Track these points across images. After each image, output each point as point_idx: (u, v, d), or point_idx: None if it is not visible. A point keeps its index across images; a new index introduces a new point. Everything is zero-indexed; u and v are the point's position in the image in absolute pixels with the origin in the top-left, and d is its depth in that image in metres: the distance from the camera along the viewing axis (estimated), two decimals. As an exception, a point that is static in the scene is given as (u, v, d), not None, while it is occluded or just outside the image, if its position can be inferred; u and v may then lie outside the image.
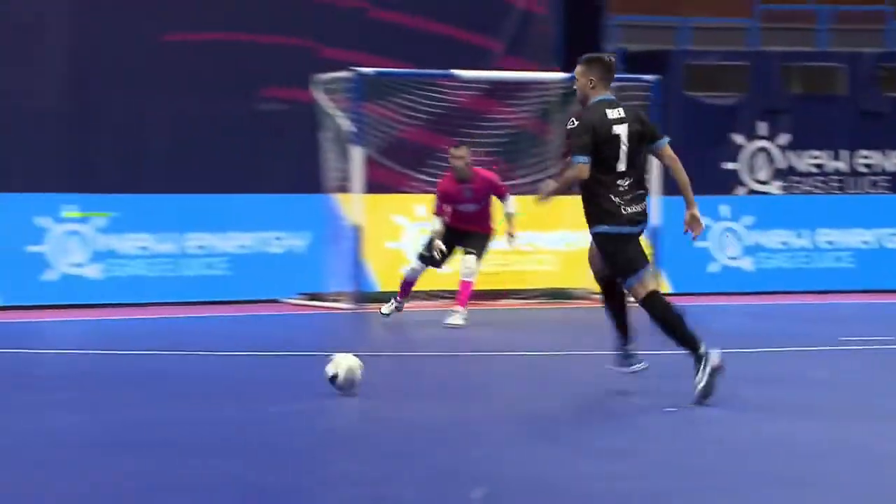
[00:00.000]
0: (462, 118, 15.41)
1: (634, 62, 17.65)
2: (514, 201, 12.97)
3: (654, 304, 8.31)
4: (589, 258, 8.60)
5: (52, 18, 15.30)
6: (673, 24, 18.63)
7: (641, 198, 8.39)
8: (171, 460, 6.64)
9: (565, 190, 8.49)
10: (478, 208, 12.98)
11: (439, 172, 13.96)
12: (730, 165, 17.90)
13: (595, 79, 8.50)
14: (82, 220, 14.61)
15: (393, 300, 13.18)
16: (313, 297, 14.84)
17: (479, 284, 14.88)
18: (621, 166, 8.28)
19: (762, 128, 18.02)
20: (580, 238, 16.02)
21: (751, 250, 16.61)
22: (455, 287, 13.14)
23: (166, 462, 6.60)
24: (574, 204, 15.82)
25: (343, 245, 14.59)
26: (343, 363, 8.43)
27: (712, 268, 16.48)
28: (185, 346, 11.16)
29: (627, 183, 8.30)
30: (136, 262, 14.79)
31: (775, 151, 18.10)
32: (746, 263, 16.56)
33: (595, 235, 8.37)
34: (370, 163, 14.80)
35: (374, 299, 14.31)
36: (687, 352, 8.24)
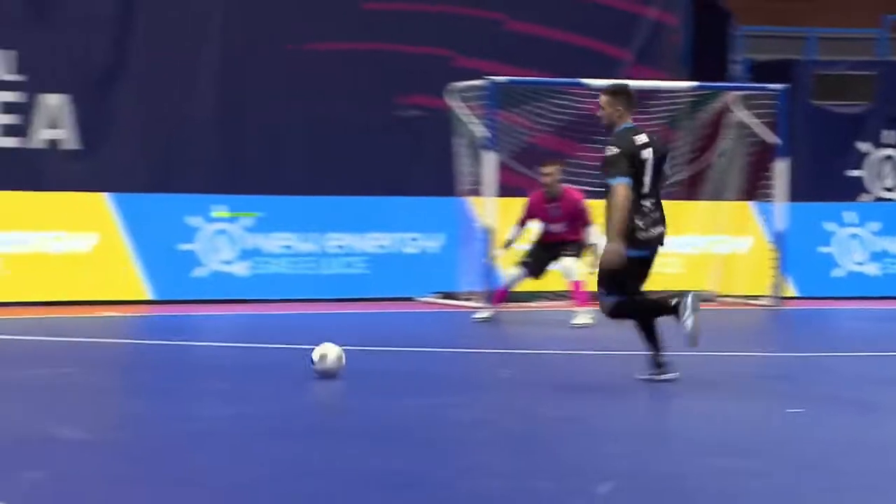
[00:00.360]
0: (591, 125, 15.37)
1: (761, 72, 17.47)
2: (594, 232, 12.48)
3: (621, 312, 8.76)
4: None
5: (205, 30, 15.61)
6: (800, 34, 18.38)
7: (662, 219, 8.76)
8: (317, 448, 6.76)
9: (624, 214, 8.63)
10: (565, 228, 12.83)
11: (569, 178, 13.97)
12: (855, 173, 17.61)
13: (622, 108, 8.84)
14: (231, 220, 14.89)
15: (489, 305, 13.25)
16: (447, 295, 14.94)
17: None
18: (646, 189, 8.65)
19: (889, 136, 17.69)
20: (705, 242, 15.92)
21: (877, 256, 16.33)
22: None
23: (313, 450, 6.72)
24: (699, 209, 15.85)
25: (475, 246, 14.66)
26: (333, 350, 8.67)
27: (837, 273, 16.25)
28: (326, 340, 11.31)
29: (650, 203, 8.66)
30: (280, 260, 15.04)
31: (899, 160, 17.77)
32: (872, 269, 16.29)
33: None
34: (502, 167, 14.85)
35: (510, 299, 14.34)
36: (671, 316, 8.61)
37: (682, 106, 15.91)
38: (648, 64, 16.93)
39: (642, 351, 10.63)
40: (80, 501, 5.66)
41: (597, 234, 12.58)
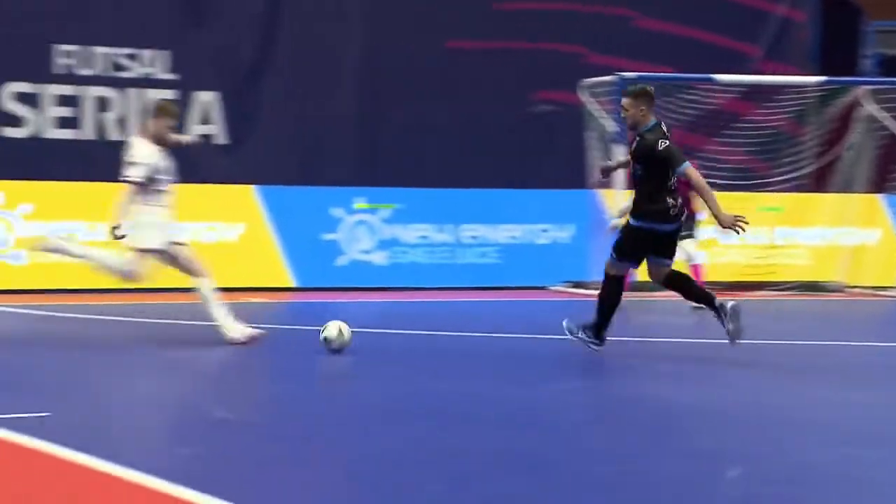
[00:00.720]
0: (720, 120, 15.26)
1: (891, 66, 17.11)
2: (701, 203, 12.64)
3: (674, 283, 9.58)
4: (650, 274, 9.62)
5: (348, 28, 15.82)
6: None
7: (678, 200, 9.46)
8: (449, 430, 6.84)
9: (709, 190, 9.31)
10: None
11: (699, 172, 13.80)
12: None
13: (645, 108, 9.47)
14: (371, 212, 15.08)
15: None
16: (577, 284, 14.94)
17: (734, 276, 14.73)
18: (671, 176, 9.34)
19: None
20: (835, 234, 15.66)
21: None
22: (706, 278, 13.04)
23: (445, 432, 6.80)
24: (829, 201, 15.59)
25: (605, 237, 14.61)
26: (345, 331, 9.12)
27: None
28: (461, 327, 11.41)
29: (672, 187, 9.38)
30: (417, 250, 15.18)
31: None
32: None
33: (639, 227, 9.37)
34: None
35: (633, 288, 14.29)
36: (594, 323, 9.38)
37: (810, 100, 15.68)
38: (777, 59, 16.71)
39: (767, 340, 10.52)
40: (228, 478, 5.81)
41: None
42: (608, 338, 9.61)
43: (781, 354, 10.31)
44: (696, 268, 12.89)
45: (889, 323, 13.58)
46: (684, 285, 9.58)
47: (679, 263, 12.67)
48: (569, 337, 9.52)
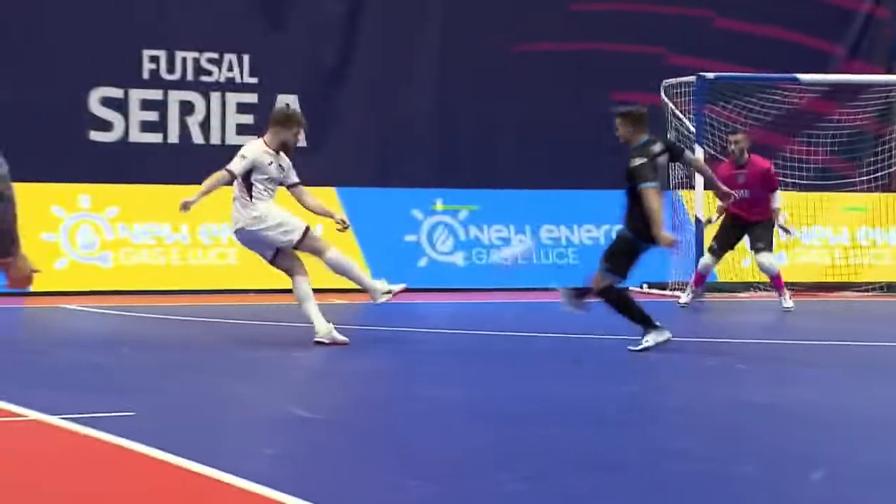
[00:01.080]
0: (802, 119, 15.09)
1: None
2: (779, 196, 12.79)
3: (611, 297, 9.67)
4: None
5: (424, 33, 15.88)
6: None
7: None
8: (527, 431, 6.85)
9: (660, 210, 9.58)
10: (752, 195, 12.69)
11: (779, 171, 13.71)
12: None
13: (632, 128, 9.86)
14: (450, 213, 15.10)
15: (689, 291, 13.16)
16: (656, 286, 14.85)
17: (817, 277, 14.54)
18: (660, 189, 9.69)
19: None
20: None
21: None
22: (788, 279, 12.99)
23: (524, 432, 6.81)
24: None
25: (685, 238, 14.53)
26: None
27: None
28: (540, 328, 11.40)
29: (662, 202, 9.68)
30: (496, 251, 15.18)
31: None
32: None
33: (633, 238, 9.68)
34: (712, 161, 14.66)
35: (713, 289, 14.21)
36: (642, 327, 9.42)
37: (894, 100, 15.46)
38: (861, 58, 16.52)
39: (835, 340, 10.39)
40: (313, 479, 5.85)
41: (780, 199, 12.78)
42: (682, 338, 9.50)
43: (863, 355, 10.16)
44: (777, 278, 12.82)
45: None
46: (621, 304, 9.60)
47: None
48: (648, 346, 9.49)
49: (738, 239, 13.04)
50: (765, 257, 12.78)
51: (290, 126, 9.96)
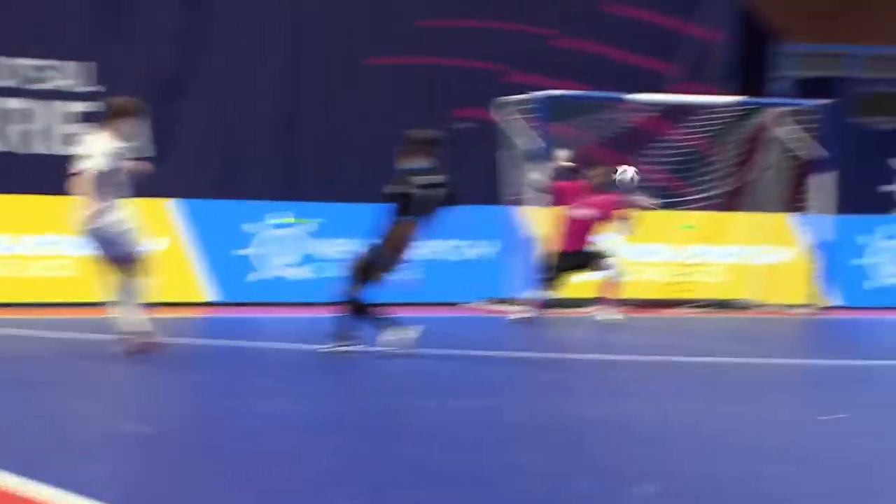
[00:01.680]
0: (640, 139, 15.34)
1: (805, 89, 17.34)
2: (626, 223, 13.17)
3: (352, 305, 9.90)
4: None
5: (267, 45, 15.71)
6: (843, 52, 18.23)
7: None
8: (365, 446, 6.76)
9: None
10: (591, 224, 13.06)
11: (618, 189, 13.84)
12: (887, 188, 17.45)
13: (410, 151, 10.04)
14: (291, 226, 14.92)
15: (524, 307, 13.27)
16: (496, 301, 14.89)
17: (653, 294, 14.79)
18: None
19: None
20: (748, 252, 15.79)
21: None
22: (627, 295, 13.15)
23: (361, 448, 6.71)
24: (741, 220, 15.73)
25: (524, 254, 14.62)
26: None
27: (874, 284, 16.05)
28: (381, 344, 11.32)
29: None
30: (337, 265, 15.03)
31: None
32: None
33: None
34: (553, 178, 14.77)
35: (552, 305, 14.33)
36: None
37: (726, 121, 15.83)
38: (695, 79, 16.87)
39: (668, 356, 10.57)
40: (141, 494, 5.67)
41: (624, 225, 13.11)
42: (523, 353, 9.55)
43: (694, 370, 10.31)
44: (609, 285, 12.98)
45: (798, 341, 13.71)
46: (358, 309, 9.79)
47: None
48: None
49: (579, 265, 13.09)
50: (605, 265, 12.87)
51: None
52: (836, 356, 11.42)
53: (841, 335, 14.06)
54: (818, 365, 10.95)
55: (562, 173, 13.31)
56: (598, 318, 12.80)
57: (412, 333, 9.70)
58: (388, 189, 9.78)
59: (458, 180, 16.00)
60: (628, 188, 12.27)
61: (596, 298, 13.16)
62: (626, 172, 11.63)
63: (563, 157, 13.26)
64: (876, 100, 17.44)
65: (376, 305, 9.89)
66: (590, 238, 13.12)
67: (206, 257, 14.55)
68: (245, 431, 7.11)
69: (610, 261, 13.04)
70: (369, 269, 9.88)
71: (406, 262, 10.05)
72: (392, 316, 9.85)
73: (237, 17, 15.63)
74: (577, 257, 13.10)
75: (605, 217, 13.14)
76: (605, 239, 13.21)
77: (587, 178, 13.25)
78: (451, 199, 10.10)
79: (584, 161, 14.71)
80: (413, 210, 9.78)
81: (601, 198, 13.15)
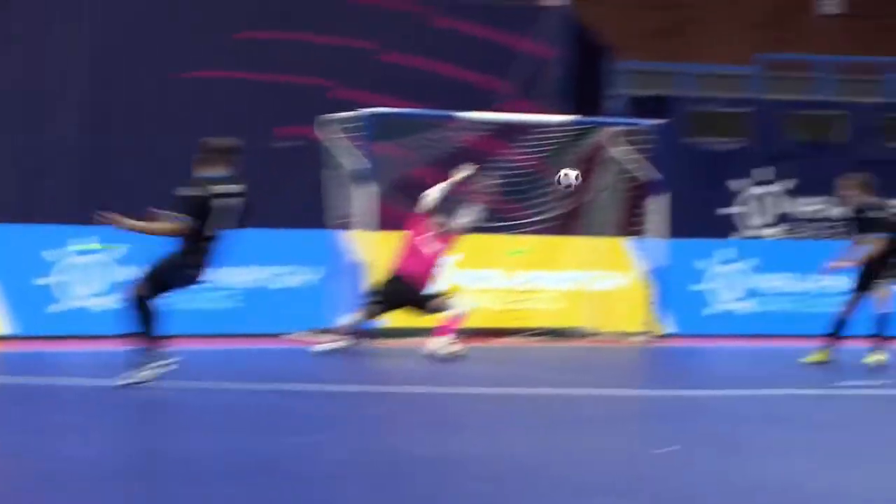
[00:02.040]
0: (471, 158, 15.47)
1: (638, 107, 17.73)
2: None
3: (140, 309, 10.13)
4: None
5: (73, 57, 15.43)
6: (677, 70, 18.73)
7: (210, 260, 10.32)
8: (183, 487, 6.68)
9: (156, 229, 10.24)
10: (435, 262, 13.28)
11: (446, 206, 14.00)
12: (728, 210, 17.94)
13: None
14: (97, 252, 14.62)
15: (341, 337, 13.38)
16: (320, 332, 14.80)
17: (486, 322, 14.92)
18: (209, 232, 10.16)
19: (762, 174, 18.05)
20: (583, 278, 16.05)
21: (750, 293, 16.58)
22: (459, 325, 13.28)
23: (178, 488, 6.63)
24: (575, 245, 15.98)
25: (351, 281, 14.61)
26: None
27: (712, 310, 16.45)
28: (193, 377, 11.18)
29: (209, 244, 10.23)
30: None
31: (775, 197, 18.13)
32: (745, 307, 16.55)
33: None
34: (380, 200, 14.84)
35: (380, 335, 14.33)
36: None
37: (560, 140, 16.05)
38: (526, 97, 17.09)
39: (511, 387, 10.69)
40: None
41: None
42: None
43: (527, 402, 10.44)
44: (452, 320, 13.09)
45: (634, 370, 13.98)
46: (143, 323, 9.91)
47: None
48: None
49: (416, 304, 13.20)
50: (446, 305, 13.12)
51: None
52: (671, 386, 11.68)
53: (676, 364, 14.38)
54: (653, 396, 11.17)
55: (398, 196, 13.37)
56: (439, 350, 12.84)
57: (166, 367, 9.62)
58: (182, 191, 9.73)
59: (280, 201, 16.08)
60: (567, 190, 12.49)
61: (433, 329, 13.21)
62: (569, 176, 11.85)
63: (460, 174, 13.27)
64: (710, 119, 17.95)
65: (158, 336, 9.72)
66: (433, 272, 13.15)
67: (2, 287, 14.17)
68: (42, 476, 6.96)
69: (451, 301, 13.09)
70: (164, 283, 9.80)
71: (204, 275, 9.90)
72: (158, 347, 9.72)
73: (37, 32, 15.32)
74: (415, 295, 13.11)
75: (448, 249, 13.30)
76: (445, 270, 13.27)
77: (440, 221, 13.34)
78: (249, 210, 10.06)
79: (412, 184, 14.81)
80: (210, 219, 9.70)
81: (447, 234, 13.36)
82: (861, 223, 12.99)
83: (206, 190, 9.90)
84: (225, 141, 10.20)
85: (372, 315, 13.28)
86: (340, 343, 13.27)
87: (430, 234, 13.18)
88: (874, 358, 12.82)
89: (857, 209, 13.07)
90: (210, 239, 10.03)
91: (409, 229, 13.23)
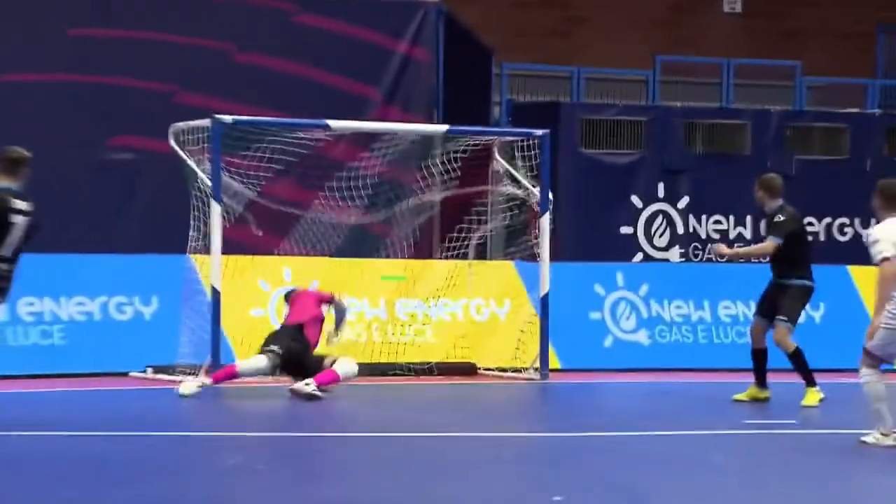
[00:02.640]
0: (335, 172, 15.31)
1: (524, 115, 17.69)
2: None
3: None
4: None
5: None
6: (566, 74, 18.73)
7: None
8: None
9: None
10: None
11: (308, 231, 13.84)
12: (627, 230, 17.96)
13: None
14: None
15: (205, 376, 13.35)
16: (163, 369, 14.49)
17: (356, 356, 14.69)
18: (6, 252, 10.22)
19: (661, 189, 18.11)
20: (463, 306, 15.93)
21: (648, 322, 16.60)
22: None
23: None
24: (458, 269, 15.79)
25: (199, 312, 14.33)
26: None
27: (606, 342, 16.44)
28: (16, 423, 10.86)
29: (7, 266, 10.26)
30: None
31: (675, 215, 18.20)
32: (642, 337, 16.56)
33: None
34: (231, 220, 14.56)
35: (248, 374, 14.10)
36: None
37: (434, 151, 15.94)
38: (398, 104, 17.00)
39: (379, 431, 10.53)
40: None
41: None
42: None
43: (398, 446, 10.37)
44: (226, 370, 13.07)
45: (522, 410, 13.91)
46: None
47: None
48: None
49: (301, 365, 13.20)
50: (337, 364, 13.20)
51: None
52: (561, 427, 11.63)
53: (569, 401, 14.35)
54: (544, 437, 11.12)
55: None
56: (304, 389, 12.72)
57: None
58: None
59: (117, 222, 15.75)
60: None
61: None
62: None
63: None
64: (605, 128, 17.95)
65: None
66: (316, 324, 13.27)
67: None
68: None
69: (342, 361, 13.15)
70: None
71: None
72: None
73: None
74: (298, 354, 13.10)
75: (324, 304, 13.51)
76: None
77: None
78: (34, 230, 10.00)
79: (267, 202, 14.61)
80: (9, 237, 9.68)
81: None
82: (767, 226, 13.43)
83: (6, 201, 9.80)
84: (12, 151, 10.15)
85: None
86: (200, 382, 13.06)
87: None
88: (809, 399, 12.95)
89: (762, 211, 13.57)
90: (6, 260, 9.88)
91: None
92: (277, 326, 13.79)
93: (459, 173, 15.51)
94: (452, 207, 16.01)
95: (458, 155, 15.41)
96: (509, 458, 9.85)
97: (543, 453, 10.18)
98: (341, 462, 9.61)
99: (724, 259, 15.31)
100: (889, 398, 10.12)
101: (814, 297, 13.34)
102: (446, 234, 15.99)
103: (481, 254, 16.33)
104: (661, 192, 18.06)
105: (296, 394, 12.74)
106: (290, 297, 13.74)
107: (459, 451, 10.07)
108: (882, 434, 10.06)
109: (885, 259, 10.10)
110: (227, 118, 14.32)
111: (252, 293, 14.99)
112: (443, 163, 15.46)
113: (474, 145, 15.49)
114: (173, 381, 14.01)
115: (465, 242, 15.81)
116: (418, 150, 15.88)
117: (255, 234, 14.01)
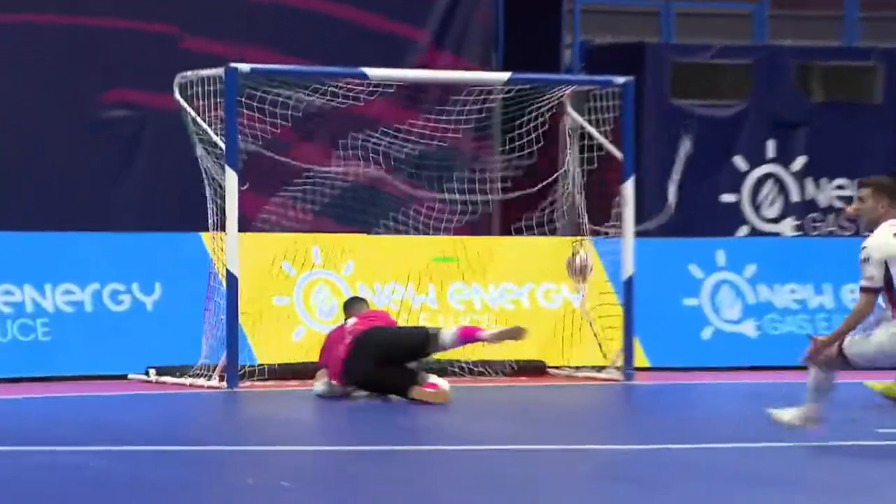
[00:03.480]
0: (372, 130, 15.35)
1: (602, 59, 17.66)
2: None
3: None
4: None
5: None
6: (653, 9, 18.71)
7: None
8: None
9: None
10: None
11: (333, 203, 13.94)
12: (729, 198, 17.91)
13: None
14: None
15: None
16: (168, 371, 14.57)
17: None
18: None
19: (771, 147, 18.04)
20: (528, 291, 15.91)
21: (755, 310, 16.48)
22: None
23: None
24: (520, 247, 15.79)
25: (213, 302, 14.40)
26: None
27: (704, 334, 16.40)
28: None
29: None
30: None
31: (788, 179, 18.13)
32: (749, 328, 16.49)
33: None
34: (248, 191, 14.56)
35: (253, 374, 14.17)
36: None
37: (497, 104, 15.97)
38: (450, 48, 17.03)
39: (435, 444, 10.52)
40: None
41: None
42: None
43: (459, 460, 10.37)
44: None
45: (599, 418, 13.91)
46: None
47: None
48: None
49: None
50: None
51: None
52: (647, 439, 11.66)
53: (657, 408, 14.37)
54: (626, 451, 11.13)
55: None
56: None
57: None
58: None
59: (115, 193, 15.86)
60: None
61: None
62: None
63: None
64: (701, 73, 17.90)
65: None
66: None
67: None
68: None
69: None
70: None
71: None
72: None
73: None
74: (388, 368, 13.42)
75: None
76: None
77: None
78: None
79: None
80: None
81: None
82: None
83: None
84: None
85: None
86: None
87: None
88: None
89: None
90: None
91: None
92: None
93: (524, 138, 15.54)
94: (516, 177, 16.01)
95: (521, 116, 15.43)
96: (585, 475, 9.93)
97: (628, 470, 10.20)
98: (384, 479, 9.59)
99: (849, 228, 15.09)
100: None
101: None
102: (510, 208, 16.00)
103: (550, 228, 16.28)
104: (770, 152, 18.06)
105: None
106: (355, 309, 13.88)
107: (526, 468, 10.13)
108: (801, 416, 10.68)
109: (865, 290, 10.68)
110: (245, 66, 14.40)
111: (274, 278, 15.00)
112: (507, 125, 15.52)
113: (540, 95, 15.48)
114: (181, 385, 14.08)
115: (545, 216, 15.77)
116: (485, 112, 15.92)
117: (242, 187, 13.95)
